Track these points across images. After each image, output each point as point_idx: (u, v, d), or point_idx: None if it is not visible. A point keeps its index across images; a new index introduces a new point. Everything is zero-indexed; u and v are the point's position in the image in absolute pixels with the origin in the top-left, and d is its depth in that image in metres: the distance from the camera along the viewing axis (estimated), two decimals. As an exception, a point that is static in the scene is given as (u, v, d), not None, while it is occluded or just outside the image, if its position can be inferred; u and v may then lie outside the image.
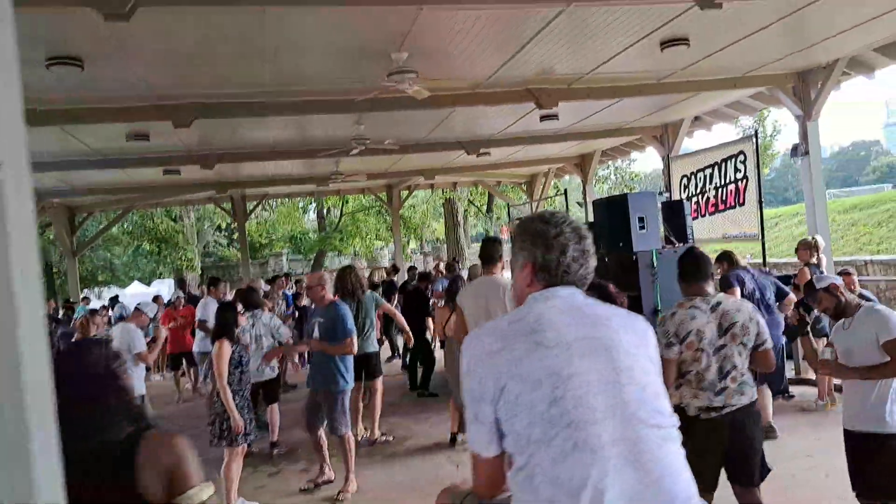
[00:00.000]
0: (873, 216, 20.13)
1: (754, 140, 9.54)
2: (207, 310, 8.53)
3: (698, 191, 11.05)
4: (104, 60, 5.77)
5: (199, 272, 26.07)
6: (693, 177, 11.22)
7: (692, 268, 3.66)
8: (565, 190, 14.13)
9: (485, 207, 27.13)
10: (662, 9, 6.03)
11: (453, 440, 6.43)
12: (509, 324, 1.55)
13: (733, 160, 10.08)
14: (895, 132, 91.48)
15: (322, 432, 5.57)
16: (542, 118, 10.26)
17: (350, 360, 5.54)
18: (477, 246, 33.50)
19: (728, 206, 10.29)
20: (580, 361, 1.46)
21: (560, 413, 1.41)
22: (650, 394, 1.50)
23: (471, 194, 25.28)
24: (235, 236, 29.24)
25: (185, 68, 6.26)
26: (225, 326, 5.06)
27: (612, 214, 8.44)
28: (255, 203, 18.48)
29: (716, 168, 10.56)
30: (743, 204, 9.92)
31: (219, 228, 29.61)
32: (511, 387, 1.44)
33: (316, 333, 5.48)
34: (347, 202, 22.20)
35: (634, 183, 26.82)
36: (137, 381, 6.00)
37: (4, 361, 0.67)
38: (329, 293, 5.71)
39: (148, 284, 24.58)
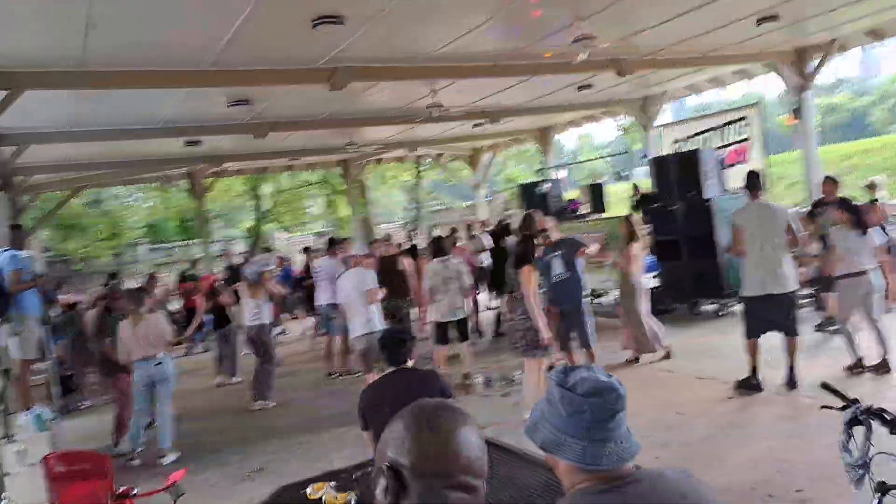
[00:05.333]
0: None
1: (760, 106, 11.45)
2: (334, 269, 9.06)
3: (694, 153, 12.85)
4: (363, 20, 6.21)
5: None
6: (688, 141, 13.01)
7: None
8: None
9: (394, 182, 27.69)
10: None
11: (636, 360, 7.60)
12: None
13: (735, 124, 11.96)
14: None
15: (574, 354, 6.50)
16: (580, 88, 11.50)
17: None
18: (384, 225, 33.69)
19: (729, 164, 12.16)
20: None
21: None
22: None
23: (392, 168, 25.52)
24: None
25: (413, 29, 6.82)
26: (526, 254, 5.85)
27: (683, 168, 9.91)
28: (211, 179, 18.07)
29: (713, 132, 12.40)
30: (746, 161, 11.83)
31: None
32: None
33: (558, 266, 6.41)
34: (300, 176, 21.98)
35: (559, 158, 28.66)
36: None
37: None
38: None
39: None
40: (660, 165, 10.42)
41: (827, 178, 8.08)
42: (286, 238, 28.68)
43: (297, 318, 14.52)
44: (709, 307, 9.90)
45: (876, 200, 8.47)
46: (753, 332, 6.05)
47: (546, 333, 5.76)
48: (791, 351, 5.89)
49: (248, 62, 7.14)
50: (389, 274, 8.61)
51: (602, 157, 19.87)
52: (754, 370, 6.00)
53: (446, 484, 1.01)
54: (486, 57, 8.42)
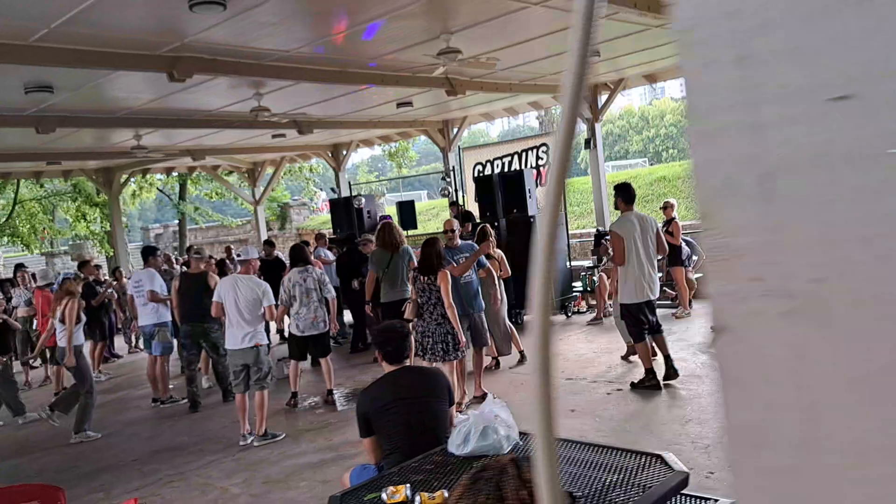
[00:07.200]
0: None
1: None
2: (154, 281, 8.08)
3: (496, 175, 13.67)
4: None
5: None
6: (490, 164, 13.81)
7: None
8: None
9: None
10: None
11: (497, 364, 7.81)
12: None
13: (535, 150, 12.99)
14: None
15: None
16: (400, 105, 11.63)
17: None
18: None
19: (530, 186, 13.13)
20: None
21: None
22: None
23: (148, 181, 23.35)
24: None
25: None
26: (435, 259, 5.74)
27: (508, 187, 10.53)
28: None
29: (516, 156, 13.34)
30: (544, 185, 12.88)
31: None
32: None
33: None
34: (44, 186, 18.71)
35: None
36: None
37: None
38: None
39: None
40: (486, 183, 10.94)
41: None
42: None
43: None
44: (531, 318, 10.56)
45: (674, 219, 9.70)
46: (641, 336, 6.41)
47: (462, 336, 5.74)
48: (663, 346, 6.46)
49: (86, 40, 6.09)
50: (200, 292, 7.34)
51: (417, 175, 20.06)
52: (650, 371, 6.36)
53: None
54: (337, 62, 8.16)
